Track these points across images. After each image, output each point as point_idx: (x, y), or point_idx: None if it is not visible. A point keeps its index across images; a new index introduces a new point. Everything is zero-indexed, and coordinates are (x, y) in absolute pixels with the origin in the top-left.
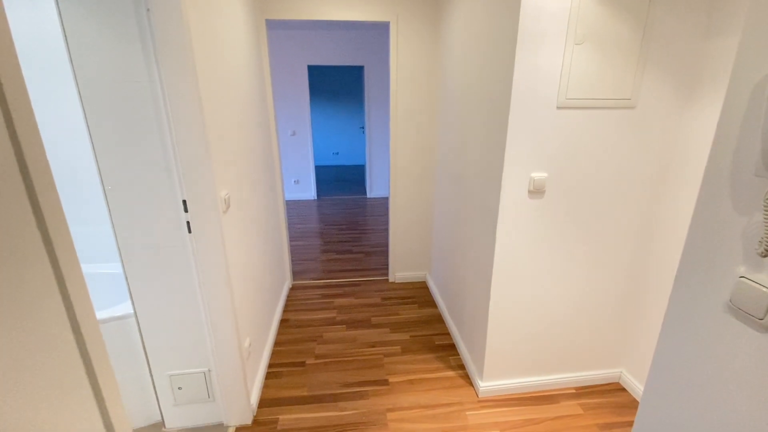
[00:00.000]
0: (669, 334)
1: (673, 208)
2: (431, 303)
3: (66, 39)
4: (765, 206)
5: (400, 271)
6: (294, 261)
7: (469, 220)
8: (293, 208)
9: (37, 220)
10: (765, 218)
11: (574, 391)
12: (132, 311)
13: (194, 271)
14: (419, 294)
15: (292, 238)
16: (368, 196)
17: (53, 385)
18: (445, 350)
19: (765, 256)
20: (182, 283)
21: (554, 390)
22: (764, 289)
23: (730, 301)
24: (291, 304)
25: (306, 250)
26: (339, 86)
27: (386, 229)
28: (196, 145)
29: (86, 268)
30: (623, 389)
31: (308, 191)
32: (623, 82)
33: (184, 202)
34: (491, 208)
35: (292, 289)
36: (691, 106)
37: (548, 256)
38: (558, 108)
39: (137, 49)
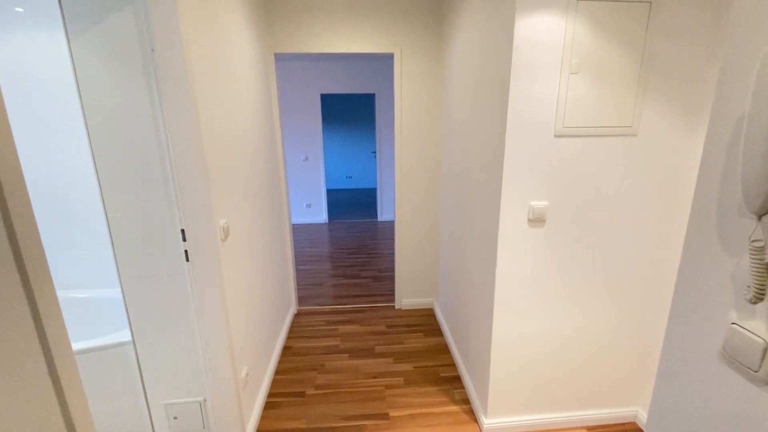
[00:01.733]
0: (664, 382)
1: (683, 235)
2: (437, 332)
3: (75, 75)
4: (751, 249)
5: (406, 298)
6: (301, 286)
7: (472, 249)
8: (304, 231)
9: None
10: (752, 262)
11: (585, 431)
12: (130, 338)
13: (191, 300)
14: (425, 322)
15: (300, 262)
16: (379, 219)
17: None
18: (450, 383)
19: (755, 303)
20: (180, 311)
21: (564, 429)
22: (757, 339)
23: (723, 350)
24: (295, 330)
25: (314, 275)
26: (352, 112)
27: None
28: (194, 176)
29: (91, 293)
30: (640, 430)
31: (320, 215)
32: (623, 109)
33: (183, 231)
34: (491, 236)
35: (297, 315)
36: (695, 132)
37: (553, 286)
38: (556, 136)
39: (141, 85)
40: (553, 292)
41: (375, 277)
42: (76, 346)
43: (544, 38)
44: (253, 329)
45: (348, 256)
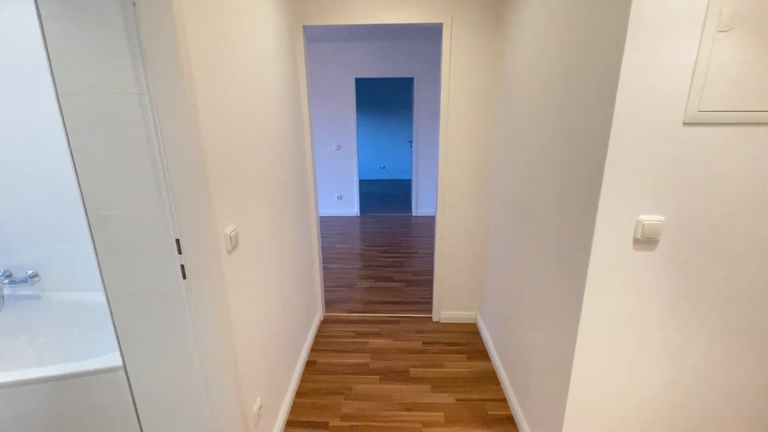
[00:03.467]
0: None
1: None
2: (483, 354)
3: (45, 43)
4: None
5: (446, 309)
6: (328, 288)
7: (539, 270)
8: (334, 225)
9: None
10: None
11: None
12: (121, 363)
13: (189, 325)
14: (468, 340)
15: (329, 260)
16: (414, 214)
17: None
18: (502, 424)
19: None
20: (176, 337)
21: None
22: None
23: None
24: (320, 341)
25: (343, 276)
26: (387, 99)
27: (432, 254)
28: (188, 173)
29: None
30: None
31: (351, 207)
32: None
33: (177, 241)
34: (576, 261)
35: (324, 322)
36: None
37: (661, 329)
38: (685, 124)
39: (124, 54)
40: (659, 336)
41: (409, 282)
42: (64, 369)
43: None
44: (271, 349)
45: (380, 255)
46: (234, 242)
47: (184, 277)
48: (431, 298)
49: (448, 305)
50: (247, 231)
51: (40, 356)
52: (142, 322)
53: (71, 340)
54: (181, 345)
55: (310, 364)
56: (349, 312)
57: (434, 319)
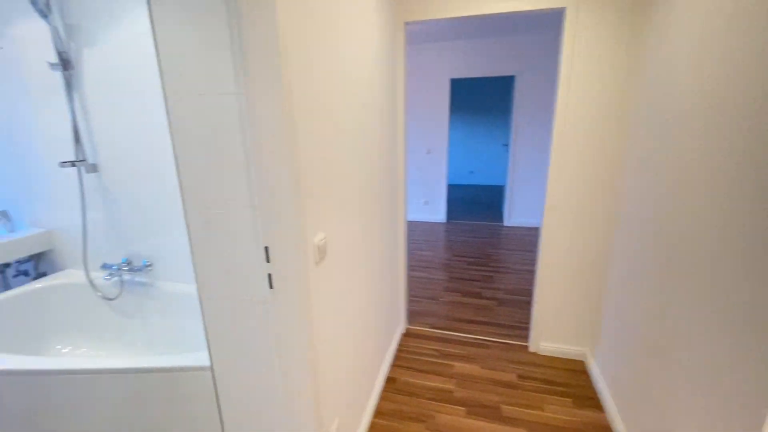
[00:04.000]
0: None
1: None
2: (593, 402)
3: (156, 44)
4: None
5: (547, 340)
6: (412, 297)
7: (700, 324)
8: (420, 231)
9: None
10: None
11: None
12: (209, 363)
13: (273, 335)
14: (574, 381)
15: (413, 267)
16: (505, 223)
17: None
18: None
19: None
20: (261, 345)
21: None
22: None
23: None
24: (401, 357)
25: (427, 286)
26: (481, 99)
27: (528, 271)
28: (279, 177)
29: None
30: None
31: (438, 213)
32: None
33: (266, 249)
34: None
35: (406, 335)
36: None
37: None
38: None
39: (225, 52)
40: None
41: (501, 300)
42: (160, 362)
43: None
44: (353, 363)
45: (468, 267)
46: (322, 252)
47: (271, 286)
48: (528, 324)
49: (550, 335)
50: (336, 239)
51: (150, 338)
52: (229, 327)
53: (176, 326)
54: (264, 355)
55: (390, 380)
56: (432, 327)
57: (531, 349)
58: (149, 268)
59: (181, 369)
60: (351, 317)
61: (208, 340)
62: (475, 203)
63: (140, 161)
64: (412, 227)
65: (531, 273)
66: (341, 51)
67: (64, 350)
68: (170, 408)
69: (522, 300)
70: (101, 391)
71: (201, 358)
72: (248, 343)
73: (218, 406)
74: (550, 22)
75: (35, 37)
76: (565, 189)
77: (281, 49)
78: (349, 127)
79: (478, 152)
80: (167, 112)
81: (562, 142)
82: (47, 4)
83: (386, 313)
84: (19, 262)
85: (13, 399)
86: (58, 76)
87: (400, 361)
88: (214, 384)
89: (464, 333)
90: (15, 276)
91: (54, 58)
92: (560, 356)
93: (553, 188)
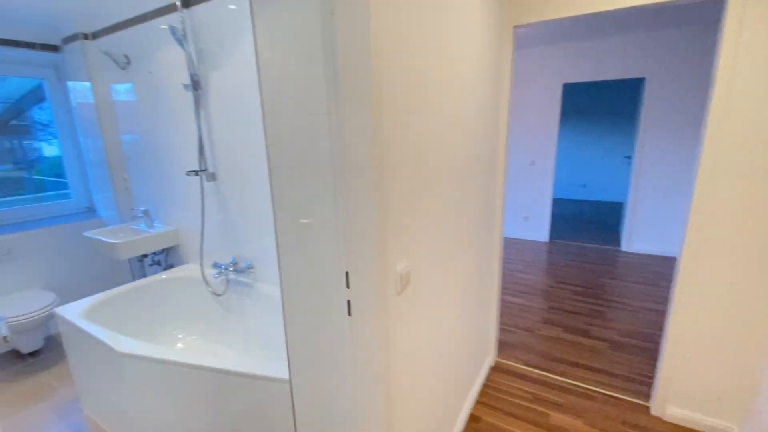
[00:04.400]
0: None
1: None
2: None
3: (257, 56)
4: None
5: (677, 404)
6: (504, 326)
7: None
8: (516, 249)
9: None
10: None
11: None
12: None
13: (349, 364)
14: None
15: (508, 291)
16: (624, 248)
17: None
18: None
19: None
20: (336, 370)
21: None
22: None
23: None
24: (488, 393)
25: (522, 315)
26: (597, 105)
27: (652, 310)
28: (363, 202)
29: None
30: None
31: (539, 231)
32: None
33: (347, 274)
34: None
35: (494, 369)
36: None
37: None
38: None
39: (318, 65)
40: None
41: (614, 343)
42: (248, 368)
43: None
44: (430, 398)
45: (573, 297)
46: (405, 282)
47: (350, 313)
48: (650, 379)
49: (682, 398)
50: (421, 266)
51: (246, 334)
52: (308, 346)
53: (270, 326)
54: (339, 381)
55: (473, 419)
56: (526, 364)
57: (654, 412)
58: (251, 270)
59: (264, 378)
60: (432, 347)
61: (288, 354)
62: (586, 221)
63: (250, 172)
64: (508, 245)
65: (657, 313)
66: (439, 61)
67: (179, 335)
68: (250, 410)
69: (643, 346)
70: (197, 383)
71: (283, 369)
72: (324, 365)
73: (294, 419)
74: (692, 15)
75: (174, 62)
76: (721, 211)
77: (373, 70)
78: (443, 142)
79: (591, 164)
80: (264, 128)
81: (715, 154)
82: (184, 34)
83: (473, 341)
84: (155, 253)
85: (139, 376)
86: (189, 96)
87: (486, 398)
88: (292, 398)
89: (565, 377)
90: (150, 264)
91: (187, 80)
92: (695, 427)
93: (701, 209)
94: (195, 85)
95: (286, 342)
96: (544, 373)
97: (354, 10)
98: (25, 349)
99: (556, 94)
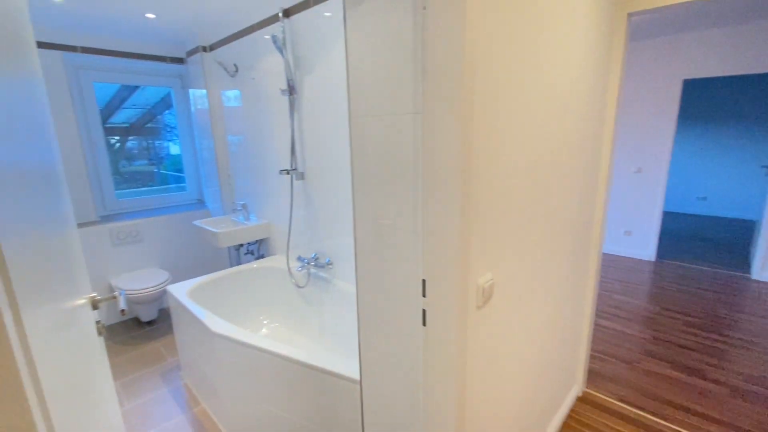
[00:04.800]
0: None
1: None
2: None
3: (347, 54)
4: None
5: None
6: (595, 352)
7: None
8: (614, 268)
9: None
10: None
11: None
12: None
13: (420, 375)
14: None
15: (602, 314)
16: (754, 276)
17: None
18: None
19: None
20: (408, 379)
21: None
22: None
23: None
24: (571, 426)
25: (619, 342)
26: (725, 106)
27: None
28: (446, 207)
29: None
30: None
31: (644, 248)
32: None
33: (424, 283)
34: None
35: (581, 400)
36: None
37: None
38: None
39: (407, 76)
40: None
41: (738, 390)
42: (324, 363)
43: None
44: (504, 426)
45: (684, 329)
46: (487, 295)
47: (424, 323)
48: None
49: None
50: (505, 279)
51: (323, 327)
52: (380, 349)
53: (344, 321)
54: (410, 390)
55: None
56: (621, 401)
57: None
58: (330, 266)
59: (335, 374)
60: (511, 367)
61: (360, 356)
62: (705, 240)
63: (333, 172)
64: (606, 262)
65: None
66: (538, 57)
67: (264, 321)
68: (320, 402)
69: None
70: (276, 369)
71: (354, 368)
72: (395, 372)
73: (362, 419)
74: None
75: (273, 69)
76: None
77: (464, 70)
78: (536, 145)
79: (714, 174)
80: (349, 127)
81: None
82: (284, 42)
83: (558, 367)
84: (249, 244)
85: (227, 355)
86: (285, 100)
87: (569, 430)
88: (361, 398)
89: (670, 422)
90: (245, 254)
91: (284, 85)
92: None
93: None
94: (291, 89)
95: (359, 343)
96: (641, 413)
97: (447, 3)
98: (143, 318)
99: (673, 91)
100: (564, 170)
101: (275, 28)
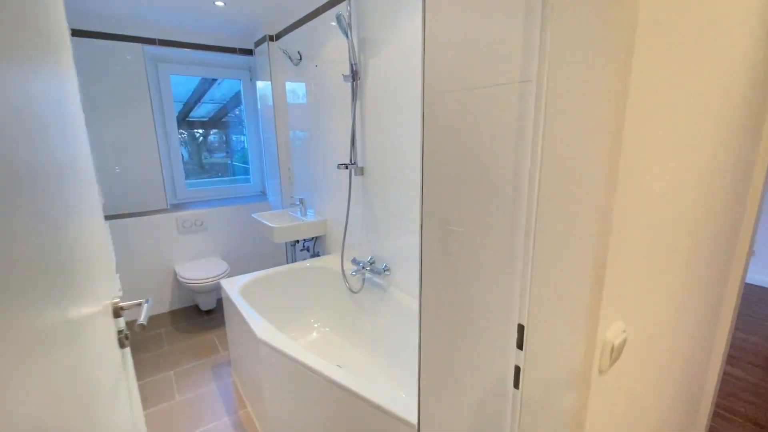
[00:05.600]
0: None
1: None
2: None
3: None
4: None
5: None
6: (719, 412)
7: None
8: (750, 300)
9: None
10: None
11: None
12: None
13: None
14: None
15: (730, 359)
16: None
17: None
18: None
19: None
20: None
21: None
22: None
23: None
24: None
25: (749, 397)
26: None
27: None
28: (573, 224)
29: None
30: None
31: None
32: None
33: (521, 328)
34: None
35: None
36: None
37: None
38: None
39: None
40: None
41: None
42: (373, 396)
43: None
44: None
45: None
46: (616, 355)
47: (516, 385)
48: None
49: None
50: (638, 332)
51: (375, 337)
52: (447, 407)
53: (399, 334)
54: None
55: None
56: None
57: None
58: (387, 272)
59: (387, 412)
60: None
61: (419, 399)
62: None
63: (396, 169)
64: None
65: None
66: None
67: (315, 324)
68: None
69: None
70: (321, 389)
71: (412, 408)
72: None
73: None
74: None
75: (336, 55)
76: None
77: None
78: (697, 151)
79: None
80: (423, 109)
81: None
82: (349, 22)
83: (679, 414)
84: (305, 240)
85: (272, 363)
86: (347, 88)
87: None
88: None
89: None
90: (300, 250)
91: (347, 71)
92: None
93: None
94: (354, 75)
95: (418, 380)
96: None
97: None
98: (203, 306)
99: None
100: (710, 201)
101: (341, 8)
